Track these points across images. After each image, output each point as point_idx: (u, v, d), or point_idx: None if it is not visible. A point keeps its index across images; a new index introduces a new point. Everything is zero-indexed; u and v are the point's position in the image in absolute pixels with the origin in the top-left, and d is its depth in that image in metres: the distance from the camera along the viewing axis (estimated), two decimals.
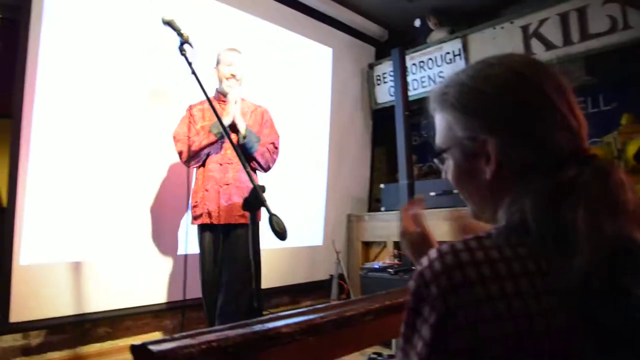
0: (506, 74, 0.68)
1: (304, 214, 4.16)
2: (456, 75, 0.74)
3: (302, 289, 4.13)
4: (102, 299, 2.84)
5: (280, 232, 1.45)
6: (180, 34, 1.75)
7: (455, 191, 0.99)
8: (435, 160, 0.80)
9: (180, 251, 3.12)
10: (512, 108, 0.66)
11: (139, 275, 3.00)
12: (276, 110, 3.89)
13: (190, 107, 2.67)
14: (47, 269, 2.63)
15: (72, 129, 2.75)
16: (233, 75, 2.58)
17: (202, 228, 2.56)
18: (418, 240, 0.95)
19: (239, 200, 2.46)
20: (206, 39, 3.22)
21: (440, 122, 0.76)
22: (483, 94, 0.68)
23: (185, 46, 1.73)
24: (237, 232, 2.49)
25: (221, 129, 2.22)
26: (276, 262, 3.69)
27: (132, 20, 3.05)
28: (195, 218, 2.56)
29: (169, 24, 1.80)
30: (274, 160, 2.71)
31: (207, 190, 2.52)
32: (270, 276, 3.45)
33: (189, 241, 2.83)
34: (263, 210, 1.51)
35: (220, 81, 2.63)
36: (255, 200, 1.48)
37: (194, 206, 2.56)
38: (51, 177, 2.66)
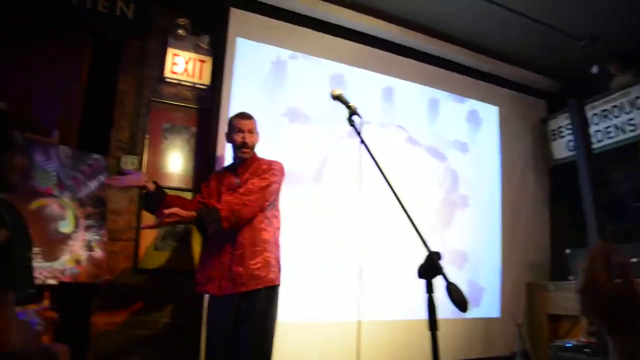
0: None
1: (477, 283, 3.88)
2: None
3: None
4: None
5: (460, 302, 1.33)
6: (348, 106, 1.82)
7: None
8: None
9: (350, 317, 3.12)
10: None
11: (311, 342, 3.06)
12: (442, 175, 3.86)
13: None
14: None
15: None
16: (245, 143, 2.50)
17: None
18: (617, 297, 0.65)
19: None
20: (371, 110, 3.38)
21: None
22: None
23: (354, 117, 1.80)
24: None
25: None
26: (450, 333, 3.44)
27: (304, 97, 3.35)
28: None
29: (337, 97, 1.89)
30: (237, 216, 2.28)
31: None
32: (444, 348, 3.22)
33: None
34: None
35: (234, 149, 2.56)
36: (431, 267, 1.40)
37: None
38: None
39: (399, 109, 3.76)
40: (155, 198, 2.42)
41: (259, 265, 2.34)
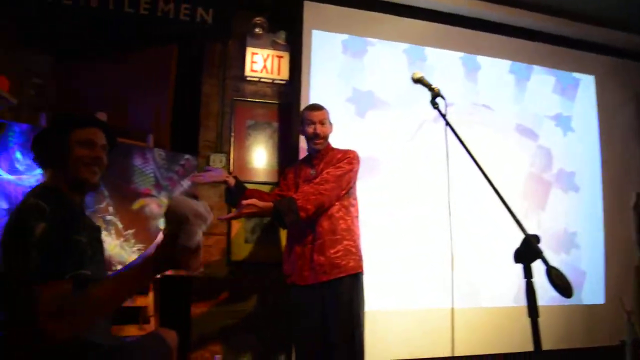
0: None
1: (577, 267, 3.64)
2: None
3: (581, 355, 3.52)
4: (387, 347, 2.97)
5: (564, 287, 1.24)
6: (431, 89, 1.77)
7: None
8: None
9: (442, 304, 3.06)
10: None
11: (404, 329, 3.04)
12: (533, 154, 3.65)
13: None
14: None
15: None
16: (316, 134, 2.50)
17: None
18: None
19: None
20: (454, 90, 3.29)
21: None
22: None
23: (438, 99, 1.74)
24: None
25: None
26: (549, 321, 3.25)
27: (383, 83, 3.31)
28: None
29: (418, 80, 1.84)
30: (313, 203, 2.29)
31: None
32: (544, 337, 3.06)
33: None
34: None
35: (307, 141, 2.58)
36: (528, 251, 1.33)
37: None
38: None
39: (484, 88, 3.60)
40: (235, 192, 2.51)
41: (339, 254, 2.34)
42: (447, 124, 1.66)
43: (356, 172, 2.49)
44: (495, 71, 3.67)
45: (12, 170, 2.18)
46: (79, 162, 1.47)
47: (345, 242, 2.37)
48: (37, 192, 1.41)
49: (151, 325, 2.39)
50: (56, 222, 1.30)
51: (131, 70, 3.11)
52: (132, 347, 1.50)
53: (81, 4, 2.84)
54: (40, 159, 1.53)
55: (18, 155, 2.21)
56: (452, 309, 2.45)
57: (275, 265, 3.05)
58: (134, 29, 3.02)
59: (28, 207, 1.32)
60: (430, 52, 3.50)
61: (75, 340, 1.25)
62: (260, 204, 2.23)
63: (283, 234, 3.11)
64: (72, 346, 1.27)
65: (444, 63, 3.51)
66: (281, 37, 3.33)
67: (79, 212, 1.47)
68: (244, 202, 2.22)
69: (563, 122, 3.82)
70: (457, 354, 2.49)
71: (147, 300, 2.45)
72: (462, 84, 3.55)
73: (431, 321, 3.04)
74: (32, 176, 2.18)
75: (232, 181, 2.52)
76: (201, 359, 2.90)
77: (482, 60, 3.63)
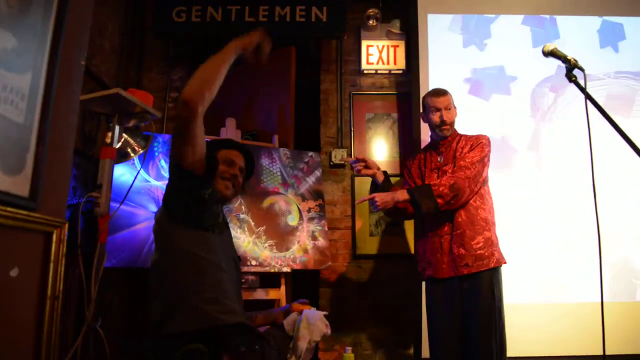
0: None
1: None
2: None
3: None
4: (530, 343, 2.78)
5: None
6: (566, 60, 1.58)
7: None
8: None
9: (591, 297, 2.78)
10: None
11: (549, 324, 2.81)
12: None
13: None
14: None
15: None
16: (444, 121, 2.35)
17: None
18: None
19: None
20: (589, 61, 2.95)
21: None
22: None
23: (575, 72, 1.56)
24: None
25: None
26: None
27: (508, 62, 3.10)
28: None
29: (551, 53, 1.66)
30: (450, 196, 2.17)
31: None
32: None
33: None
34: None
35: (432, 129, 2.41)
36: None
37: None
38: None
39: (627, 55, 3.17)
40: (381, 188, 2.45)
41: (480, 244, 2.20)
42: (588, 97, 1.48)
43: (489, 158, 2.34)
44: None
45: (159, 177, 2.42)
46: (218, 176, 1.75)
47: (486, 233, 2.24)
48: None
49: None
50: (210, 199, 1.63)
51: (256, 75, 3.29)
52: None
53: (208, 20, 3.09)
54: None
55: (162, 162, 2.45)
56: (602, 303, 2.20)
57: (401, 256, 3.02)
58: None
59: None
60: (561, 21, 3.17)
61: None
62: (397, 196, 2.22)
63: (407, 226, 3.07)
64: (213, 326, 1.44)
65: (575, 31, 3.16)
66: (395, 26, 3.27)
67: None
68: (379, 202, 2.20)
69: None
70: (609, 353, 2.24)
71: (280, 293, 2.56)
72: (598, 53, 3.16)
73: (579, 316, 2.77)
74: None
75: (380, 177, 2.47)
76: (332, 352, 2.97)
77: (627, 22, 3.20)
